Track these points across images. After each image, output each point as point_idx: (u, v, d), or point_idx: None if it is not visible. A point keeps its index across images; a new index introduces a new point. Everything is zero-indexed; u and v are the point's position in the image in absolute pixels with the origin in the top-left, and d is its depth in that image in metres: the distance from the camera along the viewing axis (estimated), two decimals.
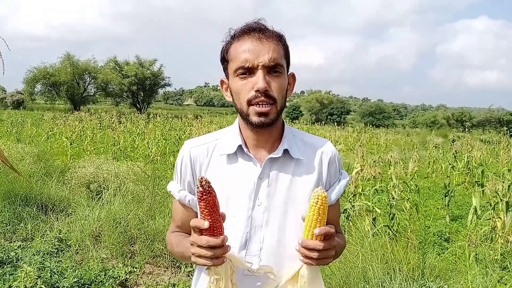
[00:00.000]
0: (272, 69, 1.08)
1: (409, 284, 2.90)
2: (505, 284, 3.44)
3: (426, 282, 2.97)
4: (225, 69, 1.16)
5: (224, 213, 0.99)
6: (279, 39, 1.11)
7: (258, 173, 1.12)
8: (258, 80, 1.05)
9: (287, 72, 1.15)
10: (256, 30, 1.09)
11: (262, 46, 1.06)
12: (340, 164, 1.22)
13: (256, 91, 1.06)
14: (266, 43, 1.07)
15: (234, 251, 1.09)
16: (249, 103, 1.08)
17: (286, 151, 1.14)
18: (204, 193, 0.91)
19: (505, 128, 30.46)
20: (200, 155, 1.17)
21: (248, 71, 1.07)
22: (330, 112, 47.58)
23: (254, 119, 1.08)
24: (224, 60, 1.14)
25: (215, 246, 0.95)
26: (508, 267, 3.93)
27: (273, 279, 1.08)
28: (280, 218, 1.12)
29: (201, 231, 0.96)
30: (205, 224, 0.93)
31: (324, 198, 0.98)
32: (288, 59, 1.15)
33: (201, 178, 0.91)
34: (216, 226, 0.95)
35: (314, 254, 0.99)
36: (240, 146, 1.14)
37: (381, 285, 2.91)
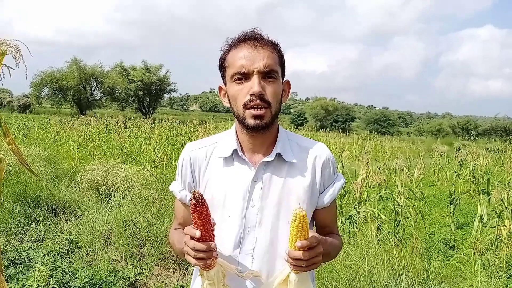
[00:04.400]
0: (267, 75, 1.13)
1: None
2: None
3: (431, 286, 3.01)
4: (223, 76, 1.22)
5: (215, 221, 1.06)
6: (274, 47, 1.17)
7: (252, 175, 1.17)
8: (254, 84, 1.11)
9: (282, 79, 1.21)
10: (252, 38, 1.15)
11: (258, 53, 1.12)
12: (334, 167, 1.26)
13: (252, 95, 1.11)
14: (261, 50, 1.13)
15: (228, 249, 1.16)
16: (245, 106, 1.13)
17: (279, 155, 1.19)
18: (197, 205, 0.99)
19: (510, 137, 30.26)
20: (199, 157, 1.24)
21: (244, 76, 1.13)
22: (335, 119, 47.58)
23: (250, 121, 1.13)
24: (222, 67, 1.20)
25: (201, 250, 1.02)
26: None
27: (263, 281, 1.14)
28: (273, 219, 1.17)
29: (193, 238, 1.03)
30: (197, 233, 1.00)
31: (302, 217, 1.01)
32: (283, 66, 1.20)
33: (194, 191, 0.99)
34: (207, 235, 1.02)
35: (302, 263, 1.03)
36: (235, 150, 1.20)
37: None
